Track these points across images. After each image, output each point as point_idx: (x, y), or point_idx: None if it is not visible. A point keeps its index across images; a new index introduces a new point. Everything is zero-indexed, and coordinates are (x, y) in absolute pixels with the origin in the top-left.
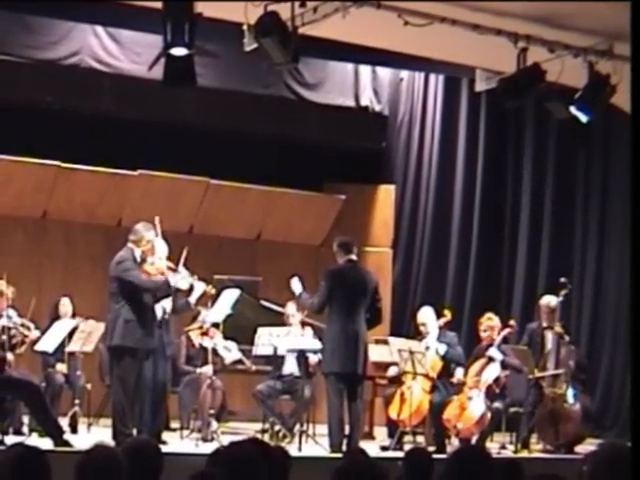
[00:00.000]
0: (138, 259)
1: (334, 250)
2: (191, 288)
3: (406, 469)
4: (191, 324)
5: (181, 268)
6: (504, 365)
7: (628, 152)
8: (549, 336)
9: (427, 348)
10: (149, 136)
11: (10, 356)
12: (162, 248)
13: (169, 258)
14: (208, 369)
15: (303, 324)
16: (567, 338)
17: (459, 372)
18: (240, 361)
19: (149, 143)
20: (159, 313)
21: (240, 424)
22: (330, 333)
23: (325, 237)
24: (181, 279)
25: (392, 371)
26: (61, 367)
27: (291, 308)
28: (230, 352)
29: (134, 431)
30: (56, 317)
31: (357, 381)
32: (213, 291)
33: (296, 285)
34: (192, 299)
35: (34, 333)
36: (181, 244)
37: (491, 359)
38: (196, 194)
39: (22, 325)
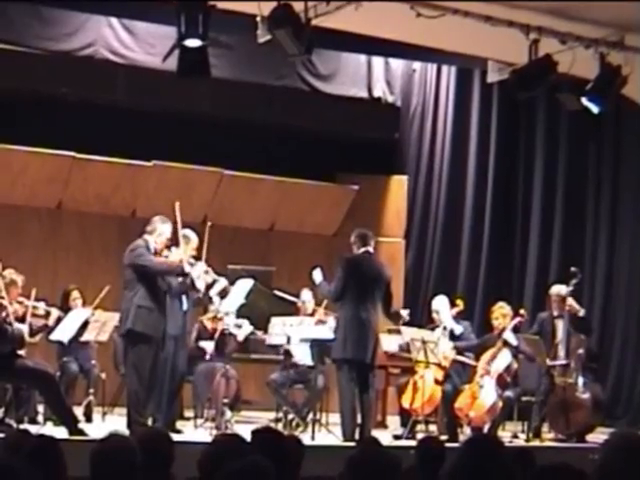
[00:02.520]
0: (152, 250)
1: (351, 241)
2: (213, 282)
3: (418, 458)
4: (204, 315)
5: (201, 263)
6: (517, 352)
7: (639, 142)
8: (560, 325)
9: (439, 338)
10: (163, 127)
11: (26, 329)
12: (194, 240)
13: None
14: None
15: (313, 312)
16: (582, 311)
17: (448, 346)
18: (252, 333)
19: (163, 134)
20: (184, 304)
21: (254, 413)
22: (342, 321)
23: (338, 227)
24: (197, 273)
25: (392, 347)
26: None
27: (306, 295)
28: (241, 328)
29: (149, 420)
30: (67, 307)
31: (368, 370)
32: (231, 288)
33: (317, 275)
34: (213, 293)
35: (54, 312)
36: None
37: (506, 343)
38: (210, 185)
39: (34, 307)
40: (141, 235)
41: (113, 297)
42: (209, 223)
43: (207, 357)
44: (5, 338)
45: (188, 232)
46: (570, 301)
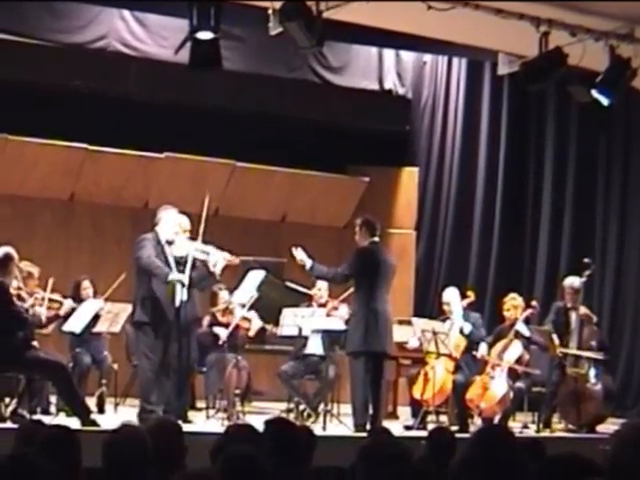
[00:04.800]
0: (162, 242)
1: (357, 227)
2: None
3: (429, 448)
4: (213, 305)
5: (204, 246)
6: (529, 343)
7: None
8: (573, 316)
9: (450, 329)
10: (175, 119)
11: (43, 311)
12: (184, 222)
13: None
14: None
15: (325, 303)
16: (595, 319)
17: (483, 348)
18: (263, 329)
19: (175, 126)
20: (184, 293)
21: (265, 404)
22: (360, 313)
23: (349, 219)
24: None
25: (412, 342)
26: None
27: (322, 283)
28: (251, 322)
29: (160, 410)
30: (78, 297)
31: (384, 360)
32: (237, 261)
33: (302, 255)
34: (217, 270)
35: (66, 303)
36: (207, 226)
37: (518, 334)
38: (222, 176)
39: (50, 300)
40: (152, 229)
41: (126, 288)
42: (208, 194)
43: (220, 343)
44: (26, 326)
45: (177, 216)
46: (584, 310)
